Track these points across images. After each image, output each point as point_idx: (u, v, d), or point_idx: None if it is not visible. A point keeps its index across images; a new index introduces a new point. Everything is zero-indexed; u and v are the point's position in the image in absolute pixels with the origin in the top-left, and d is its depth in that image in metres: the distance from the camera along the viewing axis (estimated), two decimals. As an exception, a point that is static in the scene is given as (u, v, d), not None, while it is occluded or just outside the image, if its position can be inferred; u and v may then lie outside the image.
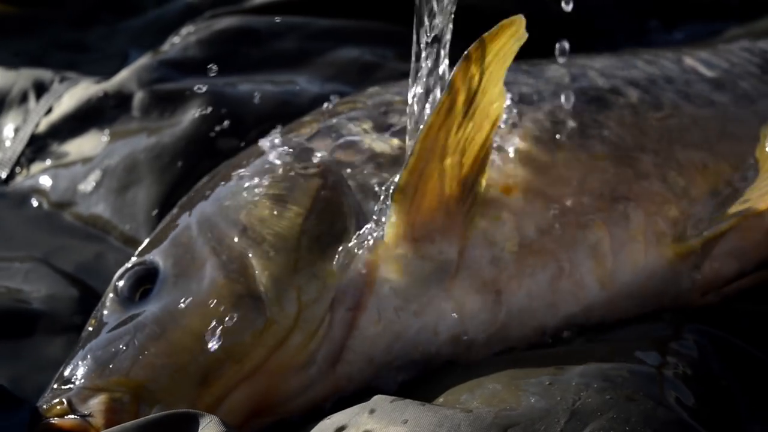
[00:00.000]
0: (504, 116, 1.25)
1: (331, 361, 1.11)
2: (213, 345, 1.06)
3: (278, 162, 1.19)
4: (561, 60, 1.36)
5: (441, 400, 1.04)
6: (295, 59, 1.64)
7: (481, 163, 1.13)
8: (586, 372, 1.04)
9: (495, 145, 1.21)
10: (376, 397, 1.03)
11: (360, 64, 1.63)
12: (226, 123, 1.52)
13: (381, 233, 1.12)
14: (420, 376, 1.14)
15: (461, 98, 1.08)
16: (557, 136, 1.25)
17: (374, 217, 1.13)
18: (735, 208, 1.23)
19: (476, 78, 1.08)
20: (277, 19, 1.69)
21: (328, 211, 1.13)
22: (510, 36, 1.07)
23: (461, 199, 1.13)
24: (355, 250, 1.12)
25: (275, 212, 1.12)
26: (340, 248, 1.12)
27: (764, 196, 1.22)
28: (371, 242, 1.12)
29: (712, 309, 1.27)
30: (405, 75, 1.30)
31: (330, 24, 1.70)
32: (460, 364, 1.14)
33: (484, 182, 1.14)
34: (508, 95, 1.27)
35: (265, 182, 1.16)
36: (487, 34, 1.06)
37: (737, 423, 1.10)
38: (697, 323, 1.20)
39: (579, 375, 1.03)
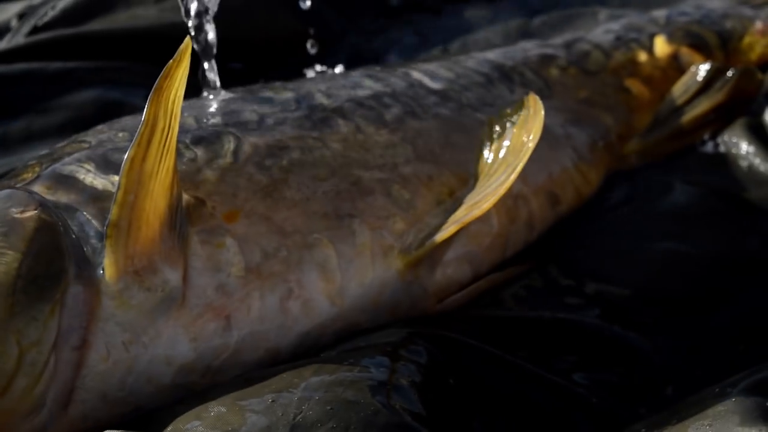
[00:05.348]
0: (228, 143, 1.27)
1: (62, 402, 1.10)
2: None
3: None
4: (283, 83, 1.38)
5: (170, 428, 1.05)
6: (33, 104, 1.62)
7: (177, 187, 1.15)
8: (310, 386, 1.06)
9: (217, 172, 1.23)
10: (102, 433, 1.04)
11: (99, 104, 1.62)
12: None
13: (101, 270, 1.12)
14: (157, 407, 1.14)
15: (159, 127, 1.09)
16: (279, 160, 1.27)
17: (95, 255, 1.13)
18: (456, 215, 1.28)
19: (170, 106, 1.09)
20: (14, 66, 1.67)
21: (44, 253, 1.11)
22: (187, 59, 1.09)
23: (174, 226, 1.15)
24: (76, 289, 1.11)
25: None
26: (59, 288, 1.11)
27: (482, 200, 1.27)
28: (92, 279, 1.12)
29: (447, 315, 1.31)
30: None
31: (66, 66, 1.69)
32: (195, 392, 1.15)
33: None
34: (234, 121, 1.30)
35: None
36: (171, 61, 1.07)
37: (466, 423, 1.14)
38: (430, 329, 1.24)
39: (303, 389, 1.05)
